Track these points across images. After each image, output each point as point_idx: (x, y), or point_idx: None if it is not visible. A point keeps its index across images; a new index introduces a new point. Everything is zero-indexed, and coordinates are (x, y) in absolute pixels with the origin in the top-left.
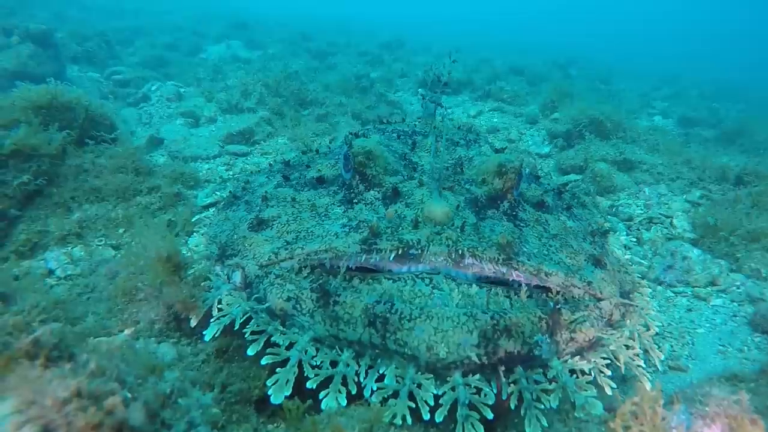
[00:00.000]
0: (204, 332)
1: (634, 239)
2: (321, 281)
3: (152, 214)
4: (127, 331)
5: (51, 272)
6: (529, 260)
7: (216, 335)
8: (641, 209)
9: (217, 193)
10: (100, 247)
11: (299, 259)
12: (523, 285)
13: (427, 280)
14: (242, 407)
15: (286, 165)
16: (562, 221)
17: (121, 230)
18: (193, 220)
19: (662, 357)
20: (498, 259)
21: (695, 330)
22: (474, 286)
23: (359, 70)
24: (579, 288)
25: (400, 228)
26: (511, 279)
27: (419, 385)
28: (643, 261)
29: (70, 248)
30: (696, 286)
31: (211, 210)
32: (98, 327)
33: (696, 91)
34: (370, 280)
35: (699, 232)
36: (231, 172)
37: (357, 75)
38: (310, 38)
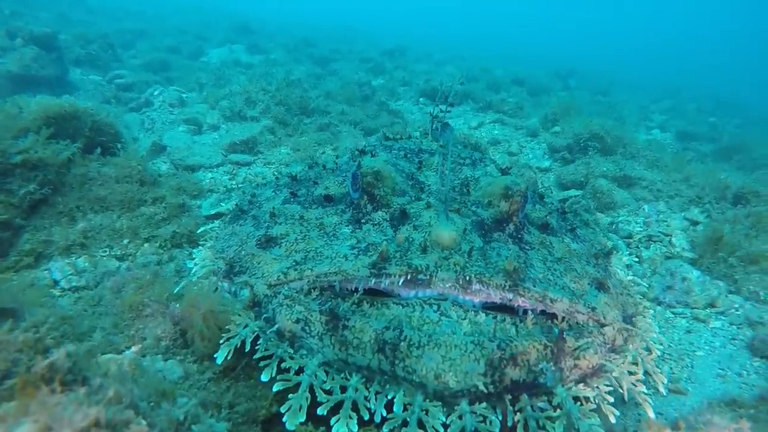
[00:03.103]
0: (215, 355)
1: (636, 258)
2: (331, 304)
3: (156, 225)
4: (134, 348)
5: (56, 283)
6: (534, 286)
7: (228, 357)
8: (641, 227)
9: (222, 203)
10: (105, 258)
11: (308, 281)
12: (530, 313)
13: (434, 307)
14: (249, 427)
15: (292, 180)
16: (566, 243)
17: (125, 241)
18: (198, 231)
19: (665, 381)
20: (505, 286)
21: (694, 353)
22: (481, 313)
23: (361, 77)
24: (583, 314)
25: (409, 252)
26: (516, 305)
27: (427, 412)
28: (641, 282)
29: (74, 259)
30: (695, 308)
31: (217, 222)
32: (105, 343)
33: (694, 105)
34: (379, 305)
35: (698, 252)
36: (234, 182)
37: (359, 83)
38: (313, 44)
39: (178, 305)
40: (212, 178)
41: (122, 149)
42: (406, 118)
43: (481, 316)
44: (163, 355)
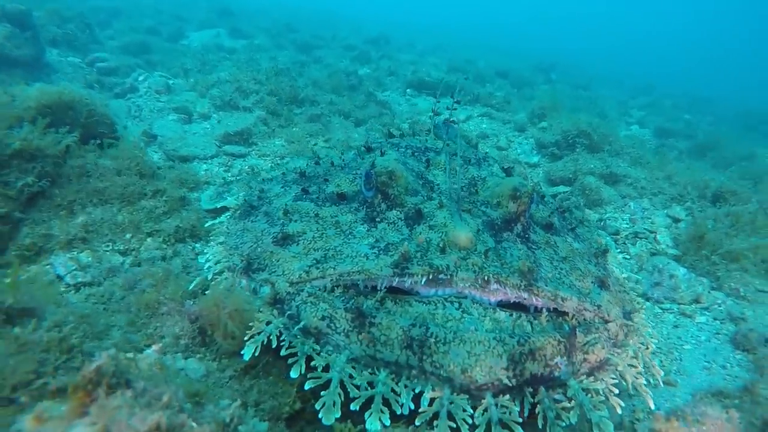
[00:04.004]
0: (242, 352)
1: (627, 255)
2: (355, 302)
3: (158, 218)
4: (154, 347)
5: (60, 278)
6: (546, 285)
7: (255, 354)
8: (627, 223)
9: (225, 196)
10: (108, 253)
11: (332, 279)
12: (544, 311)
13: (456, 304)
14: (274, 424)
15: (301, 176)
16: (569, 243)
17: (128, 235)
18: (205, 226)
19: (662, 374)
20: (520, 285)
21: (682, 346)
22: (499, 311)
23: (347, 66)
24: (590, 311)
25: (429, 252)
26: (530, 304)
27: (452, 404)
28: (632, 274)
29: (76, 253)
30: (682, 304)
31: (222, 216)
32: (124, 342)
33: (670, 102)
34: (403, 303)
35: (681, 249)
36: (230, 174)
37: (346, 72)
38: (295, 30)
39: (193, 302)
40: (207, 169)
41: (119, 140)
42: (394, 109)
43: (500, 314)
44: (183, 353)
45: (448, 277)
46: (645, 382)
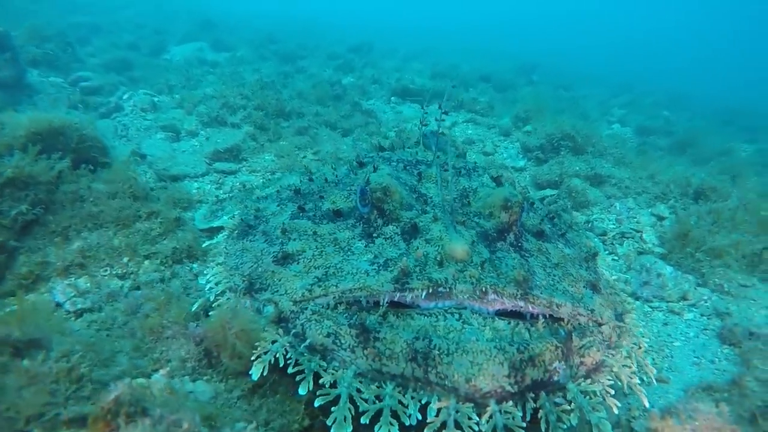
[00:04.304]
0: (250, 372)
1: (615, 257)
2: (360, 318)
3: (153, 241)
4: (162, 371)
5: (59, 306)
6: (541, 293)
7: (264, 374)
8: (614, 224)
9: (218, 215)
10: (106, 278)
11: (334, 296)
12: (540, 318)
13: (456, 315)
14: None
15: (296, 193)
16: (560, 249)
17: (125, 259)
18: (203, 246)
19: (655, 372)
20: (517, 295)
21: (672, 343)
22: (498, 320)
23: (330, 75)
24: (584, 316)
25: (427, 266)
26: (526, 311)
27: (458, 413)
28: (621, 274)
29: (74, 279)
30: (670, 301)
31: (219, 236)
32: (131, 367)
33: (650, 99)
34: (404, 317)
35: (667, 247)
36: (222, 191)
37: (330, 82)
38: (277, 40)
39: (197, 325)
40: (199, 187)
41: (110, 163)
42: (379, 118)
43: (499, 323)
44: (190, 376)
45: (447, 289)
46: (639, 381)
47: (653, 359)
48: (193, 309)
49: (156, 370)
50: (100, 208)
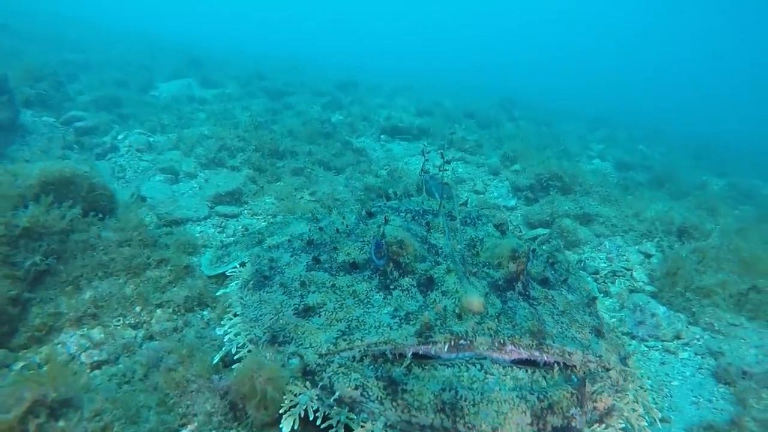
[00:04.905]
0: (281, 426)
1: (608, 296)
2: (386, 370)
3: (164, 288)
4: (189, 427)
5: (73, 358)
6: (554, 342)
7: (295, 427)
8: (605, 262)
9: (225, 260)
10: (119, 328)
11: (360, 350)
12: (555, 366)
13: (478, 366)
14: None
15: (309, 244)
16: (564, 295)
17: (137, 308)
18: (217, 294)
19: (659, 415)
20: (532, 345)
21: (671, 382)
22: (516, 369)
23: (320, 113)
24: (593, 362)
25: (447, 320)
26: (540, 361)
27: None
28: (615, 314)
29: (87, 330)
30: (665, 340)
31: (232, 285)
32: (159, 423)
33: (625, 134)
34: (429, 368)
35: (657, 286)
36: (224, 235)
37: (320, 120)
38: (265, 77)
39: (220, 377)
40: (201, 231)
41: (118, 211)
42: (370, 156)
43: (519, 372)
44: (216, 430)
45: (468, 342)
46: (646, 424)
47: (653, 398)
48: (215, 361)
49: (183, 425)
50: (110, 257)
